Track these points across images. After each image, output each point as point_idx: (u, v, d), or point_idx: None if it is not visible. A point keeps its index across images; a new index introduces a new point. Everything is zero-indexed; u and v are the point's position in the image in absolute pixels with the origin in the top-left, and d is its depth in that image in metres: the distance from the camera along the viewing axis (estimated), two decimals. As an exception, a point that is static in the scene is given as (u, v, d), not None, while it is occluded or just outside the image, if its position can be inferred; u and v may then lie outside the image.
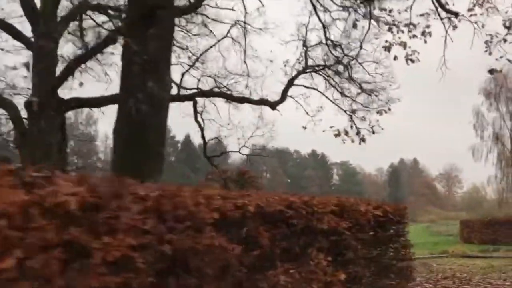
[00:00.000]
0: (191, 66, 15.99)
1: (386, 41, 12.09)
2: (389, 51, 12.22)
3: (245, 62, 16.12)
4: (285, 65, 15.81)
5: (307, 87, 16.46)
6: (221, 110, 17.73)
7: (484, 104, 29.51)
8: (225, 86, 16.72)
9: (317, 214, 3.74)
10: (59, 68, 12.91)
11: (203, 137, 17.59)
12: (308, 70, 16.20)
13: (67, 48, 13.89)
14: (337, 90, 15.86)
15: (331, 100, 16.61)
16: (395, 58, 12.08)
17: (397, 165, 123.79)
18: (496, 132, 28.96)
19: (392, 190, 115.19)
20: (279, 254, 3.26)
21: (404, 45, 11.78)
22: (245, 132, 18.92)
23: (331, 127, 15.06)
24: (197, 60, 15.98)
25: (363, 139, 15.04)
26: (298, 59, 15.84)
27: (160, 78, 6.39)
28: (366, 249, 4.22)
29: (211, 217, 2.69)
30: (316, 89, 16.46)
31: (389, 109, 15.27)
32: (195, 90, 16.33)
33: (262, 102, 15.95)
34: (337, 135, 14.81)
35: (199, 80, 16.07)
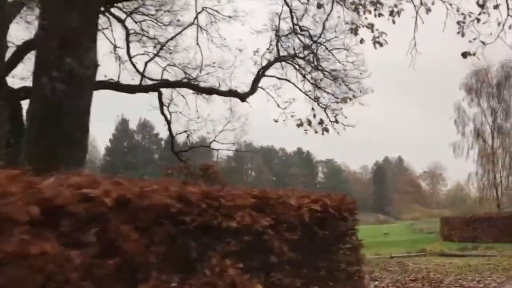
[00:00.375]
0: (155, 55, 15.12)
1: (352, 23, 11.35)
2: (355, 33, 11.51)
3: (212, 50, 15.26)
4: (254, 54, 15.01)
5: (279, 78, 15.69)
6: (192, 103, 16.92)
7: (465, 99, 29.18)
8: (194, 78, 15.88)
9: (223, 208, 2.95)
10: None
11: (170, 130, 16.74)
12: (279, 60, 15.43)
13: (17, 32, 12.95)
14: (307, 80, 15.14)
15: (302, 91, 15.91)
16: (362, 41, 11.39)
17: (381, 163, 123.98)
18: (477, 128, 28.61)
19: (376, 188, 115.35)
20: (158, 263, 2.46)
21: (371, 27, 11.07)
22: (216, 126, 18.09)
23: (292, 115, 14.42)
24: (161, 48, 15.12)
25: (326, 129, 14.35)
26: (268, 48, 15.07)
27: (82, 55, 5.54)
28: (297, 252, 3.43)
29: (26, 212, 1.88)
30: (288, 80, 15.71)
31: (354, 96, 14.66)
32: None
33: (231, 93, 15.14)
34: (300, 125, 14.20)
35: (164, 69, 15.20)
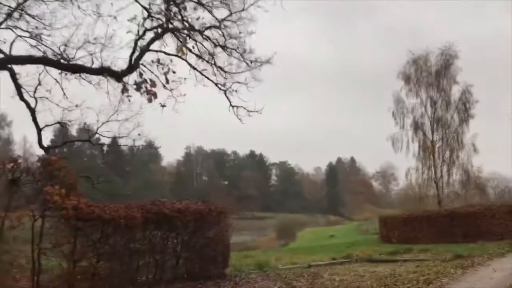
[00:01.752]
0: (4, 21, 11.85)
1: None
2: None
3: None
4: (131, 22, 11.97)
5: (168, 54, 12.76)
6: (74, 88, 13.72)
7: (403, 89, 27.26)
8: (72, 59, 12.69)
9: None
10: None
11: (34, 121, 13.45)
12: (168, 31, 12.52)
13: None
14: (196, 55, 12.38)
15: (198, 70, 13.09)
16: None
17: (334, 164, 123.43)
18: (417, 120, 26.65)
19: (329, 189, 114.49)
20: None
21: None
22: (102, 116, 14.88)
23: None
24: (12, 13, 11.86)
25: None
26: (150, 15, 12.11)
27: None
28: None
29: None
30: (178, 56, 12.80)
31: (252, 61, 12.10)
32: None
33: (103, 71, 12.07)
34: (164, 106, 11.60)
35: (13, 42, 11.91)
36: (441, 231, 21.85)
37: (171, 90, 12.12)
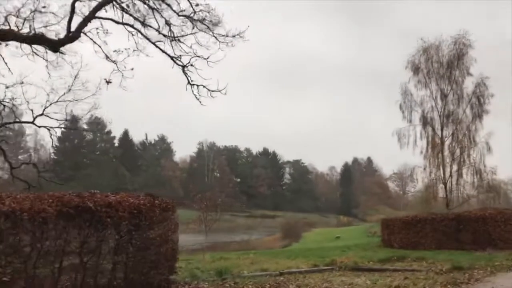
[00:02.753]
0: None
1: None
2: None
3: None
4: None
5: (117, 23, 10.99)
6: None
7: (412, 80, 24.94)
8: None
9: None
10: None
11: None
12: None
13: None
14: (139, 21, 10.56)
15: (152, 42, 11.29)
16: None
17: (350, 164, 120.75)
18: (426, 114, 24.30)
19: (343, 189, 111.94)
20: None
21: None
22: (55, 95, 13.23)
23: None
24: None
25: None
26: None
27: None
28: None
29: None
30: (130, 25, 11.03)
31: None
32: None
33: (36, 39, 10.37)
34: (108, 82, 9.80)
35: None
36: (446, 236, 19.67)
37: (115, 62, 10.32)
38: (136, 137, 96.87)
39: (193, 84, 11.23)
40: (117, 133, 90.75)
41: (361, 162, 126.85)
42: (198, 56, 10.94)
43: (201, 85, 11.04)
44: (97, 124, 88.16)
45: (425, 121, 24.28)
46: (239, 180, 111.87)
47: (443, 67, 24.16)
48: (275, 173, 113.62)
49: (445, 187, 23.65)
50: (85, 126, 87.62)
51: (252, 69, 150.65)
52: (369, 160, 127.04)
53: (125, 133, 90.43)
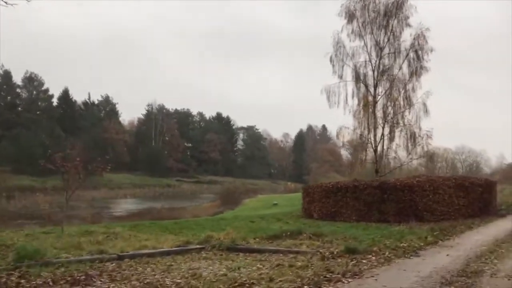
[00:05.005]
0: None
1: None
2: None
3: None
4: None
5: None
6: None
7: (345, 29, 21.80)
8: None
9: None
10: None
11: None
12: None
13: None
14: None
15: None
16: None
17: (304, 131, 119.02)
18: (358, 69, 21.32)
19: (296, 156, 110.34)
20: None
21: None
22: None
23: None
24: None
25: None
26: None
27: None
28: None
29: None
30: None
31: None
32: None
33: None
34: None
35: None
36: (368, 207, 17.19)
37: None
38: (80, 97, 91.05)
39: None
40: (55, 90, 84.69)
41: (315, 129, 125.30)
42: None
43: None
44: (32, 81, 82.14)
45: (358, 77, 21.33)
46: (190, 145, 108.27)
47: (380, 16, 21.18)
48: (228, 139, 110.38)
49: (375, 152, 21.08)
50: (19, 83, 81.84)
51: (212, 37, 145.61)
52: (324, 128, 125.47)
53: (65, 92, 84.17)
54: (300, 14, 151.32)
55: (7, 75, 78.37)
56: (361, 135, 21.65)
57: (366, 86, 21.54)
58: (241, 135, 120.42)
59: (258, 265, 8.11)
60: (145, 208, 41.06)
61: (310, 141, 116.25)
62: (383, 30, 21.30)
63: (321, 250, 9.14)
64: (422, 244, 9.68)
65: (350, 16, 21.52)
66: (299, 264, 7.95)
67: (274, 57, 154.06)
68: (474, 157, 76.32)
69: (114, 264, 8.37)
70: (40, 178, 60.79)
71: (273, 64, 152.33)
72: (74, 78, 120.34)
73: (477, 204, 18.30)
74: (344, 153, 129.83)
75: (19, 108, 79.74)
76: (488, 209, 18.85)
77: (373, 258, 7.95)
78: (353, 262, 7.76)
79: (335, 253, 8.84)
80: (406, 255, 8.39)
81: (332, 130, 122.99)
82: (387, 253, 8.39)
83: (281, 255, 9.21)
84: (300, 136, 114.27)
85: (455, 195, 17.45)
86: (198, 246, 10.36)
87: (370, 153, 21.68)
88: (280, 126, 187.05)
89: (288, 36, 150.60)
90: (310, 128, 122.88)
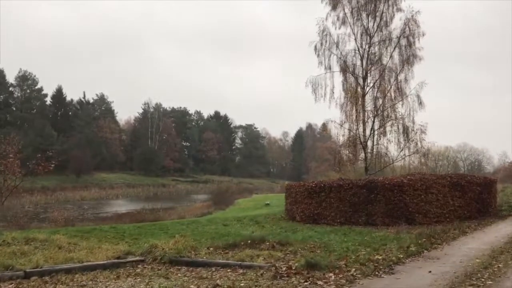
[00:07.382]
0: None
1: None
2: None
3: None
4: None
5: None
6: None
7: (330, 16, 20.06)
8: None
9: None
10: None
11: None
12: None
13: None
14: None
15: None
16: None
17: (304, 130, 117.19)
18: (346, 59, 19.56)
19: (295, 155, 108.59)
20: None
21: None
22: None
23: None
24: None
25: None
26: None
27: None
28: None
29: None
30: None
31: None
32: None
33: None
34: None
35: None
36: (353, 208, 15.48)
37: None
38: (76, 96, 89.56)
39: None
40: (49, 89, 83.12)
41: (315, 128, 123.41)
42: None
43: None
44: (25, 79, 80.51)
45: (345, 67, 19.61)
46: (187, 144, 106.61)
47: (369, 0, 19.43)
48: (226, 138, 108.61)
49: (364, 148, 19.38)
50: (13, 82, 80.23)
51: (209, 35, 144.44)
52: (324, 126, 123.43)
53: (59, 91, 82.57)
54: (299, 13, 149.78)
55: (1, 73, 76.83)
56: (349, 129, 19.92)
57: (355, 76, 19.82)
58: (239, 134, 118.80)
59: (191, 286, 6.45)
60: (131, 209, 39.35)
61: (309, 140, 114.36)
62: (372, 16, 19.55)
63: (277, 265, 7.47)
64: (402, 256, 7.96)
65: (336, 3, 19.77)
66: (242, 285, 6.28)
67: (273, 54, 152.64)
68: (476, 156, 74.49)
69: (13, 284, 6.71)
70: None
71: (273, 62, 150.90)
72: (69, 77, 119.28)
73: (475, 205, 16.54)
74: (345, 152, 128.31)
75: (13, 108, 78.32)
76: (487, 210, 17.10)
77: (333, 277, 6.27)
78: (306, 283, 6.08)
79: (292, 268, 7.16)
80: (377, 273, 6.69)
81: (331, 128, 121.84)
82: (353, 270, 6.69)
83: (229, 270, 7.54)
84: (300, 134, 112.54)
85: (450, 195, 15.71)
86: (136, 259, 8.70)
87: (360, 149, 19.94)
88: (279, 125, 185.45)
89: (288, 34, 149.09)
90: (309, 126, 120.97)
